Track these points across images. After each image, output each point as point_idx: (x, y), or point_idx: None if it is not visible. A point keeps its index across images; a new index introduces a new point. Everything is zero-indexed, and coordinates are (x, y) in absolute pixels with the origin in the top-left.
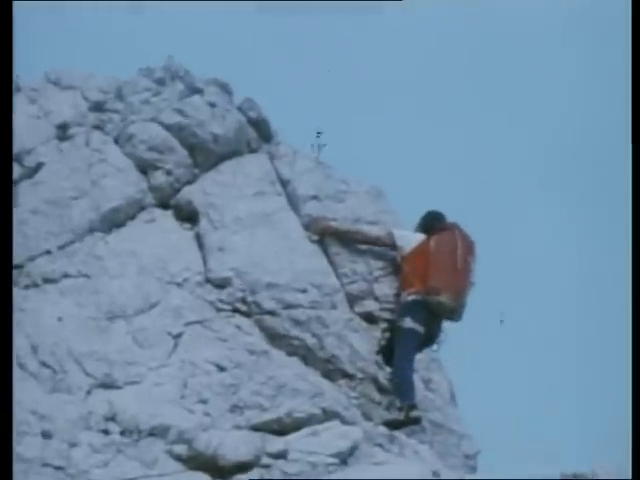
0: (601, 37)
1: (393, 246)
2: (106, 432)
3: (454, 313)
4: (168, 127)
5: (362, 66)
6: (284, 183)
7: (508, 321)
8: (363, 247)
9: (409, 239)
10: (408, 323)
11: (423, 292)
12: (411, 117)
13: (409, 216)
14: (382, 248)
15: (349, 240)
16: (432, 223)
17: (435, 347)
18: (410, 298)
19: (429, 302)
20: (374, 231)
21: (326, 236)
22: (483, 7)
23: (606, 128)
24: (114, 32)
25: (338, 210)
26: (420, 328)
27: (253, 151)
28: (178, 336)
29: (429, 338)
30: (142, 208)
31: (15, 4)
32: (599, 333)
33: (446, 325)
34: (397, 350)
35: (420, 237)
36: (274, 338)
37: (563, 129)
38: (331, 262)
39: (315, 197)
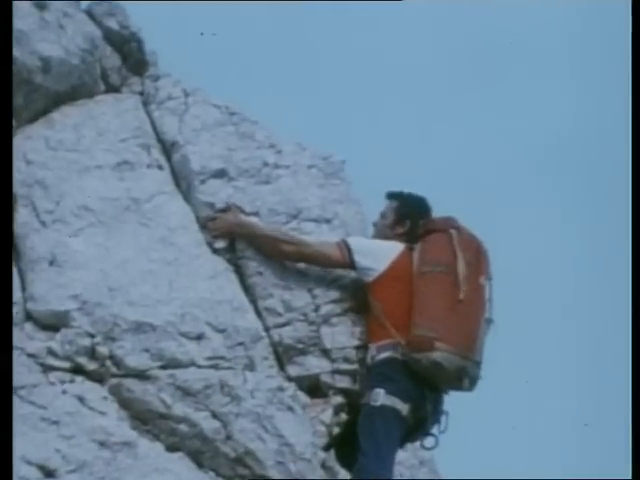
0: (601, 37)
1: (351, 265)
2: None
3: (461, 379)
4: None
5: (362, 57)
6: (167, 147)
7: (508, 323)
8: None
9: (378, 253)
10: (380, 398)
11: (405, 345)
12: (410, 115)
13: None
14: (329, 269)
15: (278, 252)
16: (412, 220)
17: (429, 441)
18: (383, 356)
19: (416, 363)
20: (320, 240)
21: (240, 242)
22: (483, 7)
23: (606, 128)
24: None
25: (262, 197)
26: (402, 406)
27: (113, 89)
28: None
29: (418, 424)
30: None
31: (15, 4)
32: (599, 333)
33: (451, 398)
34: (363, 443)
35: (395, 248)
36: (145, 420)
37: (563, 129)
38: (247, 288)
39: (222, 173)
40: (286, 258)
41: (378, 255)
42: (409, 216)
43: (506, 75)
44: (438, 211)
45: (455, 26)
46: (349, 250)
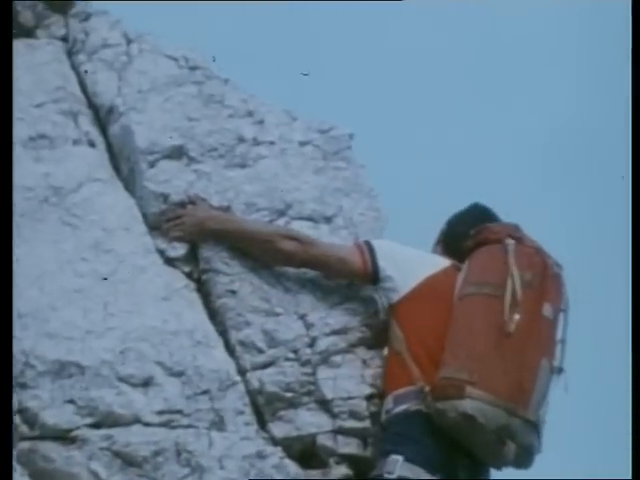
0: (601, 36)
1: (372, 275)
2: None
3: (503, 442)
4: None
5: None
6: (102, 115)
7: None
8: (293, 274)
9: (411, 263)
10: (398, 468)
11: (429, 392)
12: (409, 115)
13: (407, 226)
14: (342, 280)
15: (274, 253)
16: (455, 231)
17: None
18: (401, 408)
19: (440, 415)
20: (326, 242)
21: (205, 249)
22: (483, 6)
23: (606, 127)
24: None
25: (235, 186)
26: (428, 478)
27: (25, 32)
28: None
29: None
30: None
31: (15, 4)
32: (599, 331)
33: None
34: None
35: (436, 261)
36: None
37: (563, 129)
38: (215, 313)
39: (179, 152)
40: (286, 261)
41: (411, 266)
42: (451, 230)
43: (506, 75)
44: (438, 211)
45: (455, 26)
46: (372, 254)
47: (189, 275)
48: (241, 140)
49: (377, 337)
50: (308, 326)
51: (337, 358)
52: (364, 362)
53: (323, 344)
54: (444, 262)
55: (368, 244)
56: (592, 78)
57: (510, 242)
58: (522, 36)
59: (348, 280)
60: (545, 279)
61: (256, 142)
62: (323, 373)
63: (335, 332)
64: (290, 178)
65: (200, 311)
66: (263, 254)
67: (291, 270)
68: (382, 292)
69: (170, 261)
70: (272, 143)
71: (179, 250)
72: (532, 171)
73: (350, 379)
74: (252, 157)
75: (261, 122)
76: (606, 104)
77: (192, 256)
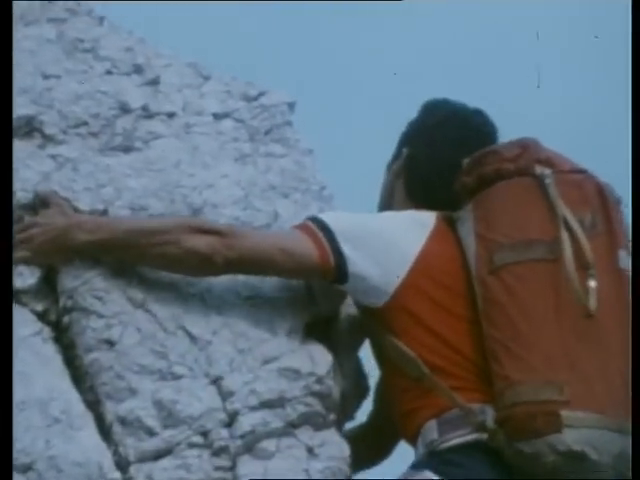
0: (602, 36)
1: (334, 274)
2: None
3: (622, 473)
4: None
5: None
6: None
7: None
8: (200, 312)
9: (388, 240)
10: None
11: (506, 427)
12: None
13: None
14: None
15: (171, 268)
16: (451, 158)
17: None
18: (456, 441)
19: (540, 462)
20: (259, 231)
21: (66, 275)
22: (483, 7)
23: (606, 127)
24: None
25: (116, 179)
26: None
27: None
28: None
29: None
30: None
31: (15, 4)
32: None
33: None
34: None
35: (418, 222)
36: None
37: (562, 129)
38: (83, 376)
39: (28, 126)
40: (203, 268)
41: (390, 242)
42: (422, 161)
43: (506, 75)
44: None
45: (454, 25)
46: (330, 237)
47: (42, 316)
48: (124, 110)
49: (330, 408)
50: (225, 395)
51: (268, 444)
52: (310, 451)
53: (247, 423)
54: (428, 219)
55: (318, 222)
56: (592, 78)
57: (546, 171)
58: (522, 35)
59: (302, 278)
60: (609, 215)
61: (147, 113)
62: (247, 467)
63: (266, 404)
64: (199, 169)
65: (58, 372)
66: (165, 264)
67: (199, 307)
68: (358, 295)
69: (14, 295)
70: (172, 115)
71: (27, 279)
72: None
73: (288, 475)
74: (141, 136)
75: (155, 83)
76: (606, 104)
77: (47, 287)
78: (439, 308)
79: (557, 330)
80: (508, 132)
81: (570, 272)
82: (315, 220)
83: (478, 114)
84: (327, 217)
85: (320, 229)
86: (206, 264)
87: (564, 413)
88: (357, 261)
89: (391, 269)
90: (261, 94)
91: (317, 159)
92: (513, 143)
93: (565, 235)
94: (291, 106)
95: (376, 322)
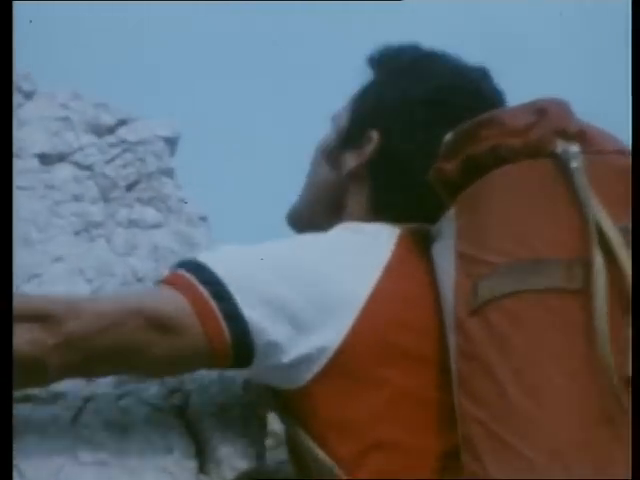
0: (602, 36)
1: (231, 354)
2: None
3: None
4: None
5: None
6: None
7: None
8: None
9: (313, 279)
10: None
11: None
12: None
13: None
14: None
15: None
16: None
17: None
18: None
19: None
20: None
21: None
22: (483, 7)
23: (606, 127)
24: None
25: None
26: None
27: None
28: None
29: None
30: None
31: (15, 4)
32: None
33: None
34: None
35: (373, 249)
36: None
37: None
38: None
39: None
40: (33, 375)
41: (321, 292)
42: (387, 142)
43: (505, 74)
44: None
45: (454, 25)
46: (218, 294)
47: None
48: None
49: None
50: None
51: None
52: None
53: None
54: (383, 243)
55: (198, 270)
56: (592, 77)
57: (572, 148)
58: (521, 35)
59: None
60: None
61: None
62: None
63: None
64: (17, 247)
65: None
66: None
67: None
68: (268, 377)
69: None
70: None
71: None
72: None
73: None
74: None
75: None
76: (606, 103)
77: None
78: (392, 386)
79: (575, 408)
80: None
81: (600, 314)
82: (194, 266)
83: (486, 77)
84: (211, 258)
85: (202, 282)
86: (35, 369)
87: None
88: (267, 326)
89: (322, 329)
90: (121, 123)
91: (213, 230)
92: (526, 106)
93: (598, 253)
94: (171, 143)
95: (299, 404)
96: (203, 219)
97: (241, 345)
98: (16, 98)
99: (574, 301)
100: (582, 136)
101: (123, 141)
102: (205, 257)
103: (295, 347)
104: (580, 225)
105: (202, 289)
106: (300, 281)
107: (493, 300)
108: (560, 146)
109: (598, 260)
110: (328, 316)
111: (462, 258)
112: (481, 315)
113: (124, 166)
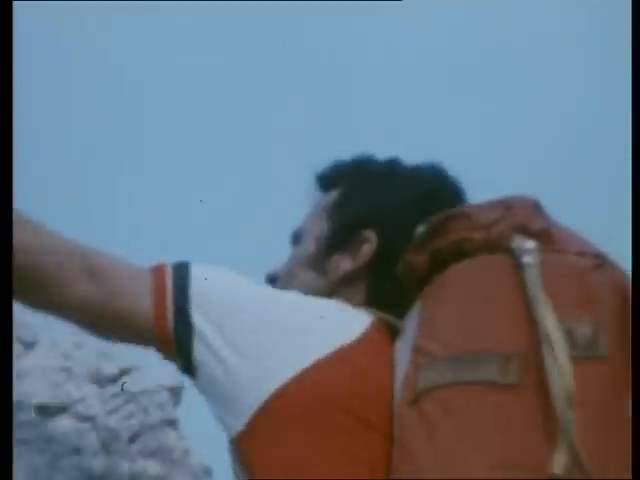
0: (602, 37)
1: (171, 350)
2: None
3: None
4: None
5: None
6: None
7: None
8: None
9: (269, 333)
10: None
11: None
12: (409, 118)
13: None
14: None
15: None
16: (387, 230)
17: None
18: None
19: None
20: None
21: None
22: (483, 8)
23: (607, 127)
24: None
25: None
26: None
27: None
28: None
29: None
30: None
31: (15, 4)
32: None
33: None
34: None
35: (337, 320)
36: None
37: (562, 128)
38: None
39: None
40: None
41: (277, 337)
42: (379, 220)
43: (505, 74)
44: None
45: (454, 25)
46: (182, 288)
47: None
48: None
49: None
50: None
51: None
52: None
53: None
54: (357, 321)
55: (178, 269)
56: (591, 77)
57: (527, 245)
58: (521, 35)
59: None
60: (625, 331)
61: None
62: None
63: None
64: None
65: None
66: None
67: None
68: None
69: None
70: None
71: None
72: (532, 170)
73: None
74: None
75: None
76: (606, 103)
77: None
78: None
79: None
80: (509, 132)
81: (530, 411)
82: (178, 266)
83: (447, 173)
84: (199, 267)
85: (176, 276)
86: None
87: None
88: (209, 334)
89: (262, 379)
90: (123, 373)
91: None
92: (494, 202)
93: (547, 355)
94: (175, 393)
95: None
96: (207, 472)
97: (181, 335)
98: (16, 348)
99: (507, 395)
100: (545, 235)
101: (125, 391)
102: (198, 265)
103: (236, 372)
104: (524, 321)
105: (170, 283)
106: (262, 326)
107: (431, 390)
108: (516, 242)
109: (550, 361)
110: (272, 373)
111: (416, 351)
112: (417, 404)
113: (125, 418)
